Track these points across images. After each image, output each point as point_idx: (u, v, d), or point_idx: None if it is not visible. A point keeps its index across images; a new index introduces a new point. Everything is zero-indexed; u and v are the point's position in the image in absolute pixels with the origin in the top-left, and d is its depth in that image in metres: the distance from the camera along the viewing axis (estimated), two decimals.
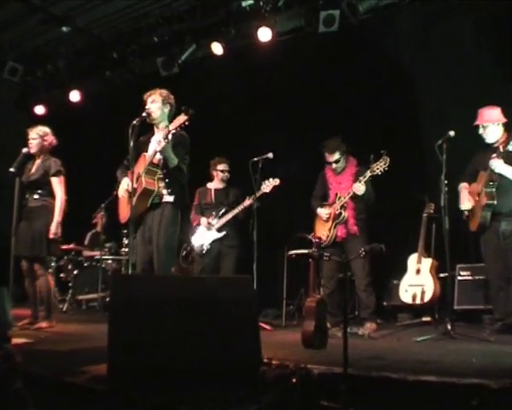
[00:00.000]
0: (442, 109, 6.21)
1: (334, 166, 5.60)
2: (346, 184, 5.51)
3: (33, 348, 4.22)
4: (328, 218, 5.51)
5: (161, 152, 4.39)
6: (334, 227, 5.45)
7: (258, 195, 5.95)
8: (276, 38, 7.10)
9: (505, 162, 4.75)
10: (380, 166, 5.19)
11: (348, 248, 5.42)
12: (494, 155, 4.79)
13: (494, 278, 4.96)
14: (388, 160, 5.18)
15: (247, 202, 6.07)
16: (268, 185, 5.98)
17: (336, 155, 5.56)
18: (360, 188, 5.27)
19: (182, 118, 4.29)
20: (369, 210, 5.57)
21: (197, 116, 4.33)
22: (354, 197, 5.39)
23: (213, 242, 6.22)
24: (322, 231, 5.53)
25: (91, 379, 3.01)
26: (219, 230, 6.23)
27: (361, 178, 5.29)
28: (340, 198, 5.45)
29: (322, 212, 5.60)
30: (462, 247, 5.76)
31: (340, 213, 5.41)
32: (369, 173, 5.25)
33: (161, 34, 7.84)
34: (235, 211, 6.17)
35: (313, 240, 5.17)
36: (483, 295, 5.57)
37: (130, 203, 4.30)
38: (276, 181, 6.00)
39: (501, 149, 4.81)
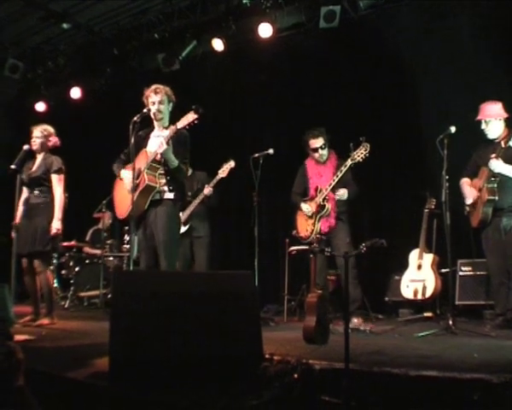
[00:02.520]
0: (443, 105, 6.21)
1: (319, 152, 5.56)
2: (326, 177, 5.50)
3: (35, 344, 4.22)
4: (312, 213, 5.50)
5: (162, 154, 4.39)
6: (318, 221, 5.43)
7: (215, 182, 6.00)
8: (276, 33, 7.10)
9: (505, 159, 4.75)
10: (360, 154, 5.17)
11: (332, 242, 5.42)
12: (493, 155, 4.79)
13: (495, 273, 4.96)
14: (368, 146, 5.15)
15: (206, 190, 6.08)
16: (224, 170, 5.98)
17: (321, 141, 5.54)
18: (342, 194, 5.32)
19: (191, 117, 4.26)
20: (351, 202, 5.55)
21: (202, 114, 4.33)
22: (335, 190, 5.37)
23: (182, 235, 6.06)
24: (306, 227, 5.51)
25: (93, 375, 3.02)
26: (184, 223, 6.11)
27: (342, 167, 5.28)
28: (320, 191, 5.43)
29: (305, 208, 5.57)
30: (464, 242, 5.77)
31: (324, 206, 5.39)
32: (349, 161, 5.23)
33: (162, 30, 7.84)
34: (196, 202, 6.13)
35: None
36: (484, 291, 5.57)
37: (131, 199, 4.30)
38: (231, 164, 5.96)
39: (502, 145, 4.81)
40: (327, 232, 5.42)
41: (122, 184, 4.65)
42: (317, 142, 5.55)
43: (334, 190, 5.39)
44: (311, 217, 5.52)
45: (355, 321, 5.17)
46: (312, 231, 5.45)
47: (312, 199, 5.52)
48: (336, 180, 5.33)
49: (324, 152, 5.58)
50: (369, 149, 5.15)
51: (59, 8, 7.56)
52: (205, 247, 6.26)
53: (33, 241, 5.28)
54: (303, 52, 7.28)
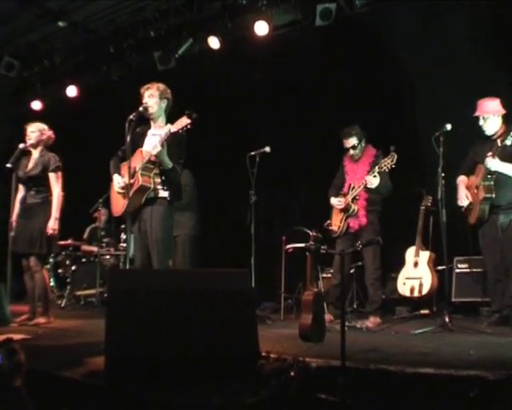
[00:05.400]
0: (440, 102, 6.20)
1: (351, 152, 5.55)
2: (360, 174, 5.44)
3: (31, 343, 4.21)
4: (342, 209, 5.47)
5: (156, 156, 4.39)
6: (345, 219, 5.43)
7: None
8: (272, 31, 7.09)
9: (502, 157, 4.76)
10: (387, 164, 5.11)
11: (359, 239, 5.35)
12: (490, 153, 4.80)
13: (492, 270, 4.97)
14: (396, 156, 5.09)
15: None
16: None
17: (352, 141, 5.50)
18: (372, 181, 5.20)
19: (185, 121, 4.26)
20: (384, 202, 5.52)
21: (194, 110, 4.32)
22: (368, 189, 5.32)
23: None
24: (337, 222, 5.51)
25: (89, 374, 3.01)
26: None
27: (370, 174, 5.22)
28: (353, 189, 5.41)
29: (335, 201, 5.54)
30: (460, 239, 5.78)
31: (350, 206, 5.37)
32: (376, 169, 5.18)
33: (158, 28, 7.81)
34: None
35: (310, 233, 5.16)
36: (480, 288, 5.58)
37: (126, 198, 4.30)
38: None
39: (499, 144, 4.81)
40: (357, 229, 5.40)
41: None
42: (348, 142, 5.53)
43: (366, 189, 5.34)
44: (341, 212, 5.50)
45: (371, 320, 5.15)
46: (339, 227, 5.45)
47: (345, 196, 5.50)
48: (364, 185, 5.27)
49: (357, 151, 5.54)
50: (395, 160, 5.09)
51: (55, 5, 7.53)
52: (181, 246, 6.21)
53: (30, 241, 5.26)
54: (299, 50, 7.27)
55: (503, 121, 4.93)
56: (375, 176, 5.21)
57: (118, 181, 4.59)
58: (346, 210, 5.43)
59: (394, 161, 5.10)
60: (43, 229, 5.27)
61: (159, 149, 4.34)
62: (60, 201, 5.39)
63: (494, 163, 4.76)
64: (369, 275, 5.30)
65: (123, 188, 4.51)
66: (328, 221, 5.67)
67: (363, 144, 5.56)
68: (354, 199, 5.38)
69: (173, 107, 4.79)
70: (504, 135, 4.80)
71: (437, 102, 6.23)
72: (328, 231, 5.39)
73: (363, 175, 5.39)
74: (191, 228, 6.39)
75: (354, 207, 5.38)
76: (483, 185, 4.84)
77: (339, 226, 5.48)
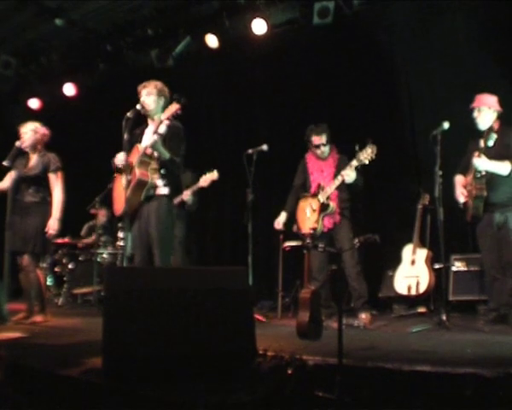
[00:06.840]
0: (437, 100, 6.21)
1: (321, 149, 5.49)
2: (328, 172, 5.46)
3: (28, 341, 4.21)
4: (315, 210, 5.43)
5: (152, 147, 4.39)
6: (322, 219, 5.37)
7: (195, 189, 6.15)
8: (270, 29, 7.08)
9: (488, 156, 4.76)
10: (367, 155, 5.08)
11: (336, 238, 5.40)
12: (476, 153, 4.81)
13: (489, 268, 4.97)
14: (375, 148, 5.07)
15: (185, 195, 6.15)
16: (205, 180, 6.07)
17: (323, 138, 5.48)
18: (351, 175, 5.18)
19: (174, 107, 4.29)
20: (354, 198, 5.53)
21: (192, 108, 4.32)
22: (339, 186, 5.31)
23: None
24: (309, 224, 5.40)
25: (86, 372, 3.01)
26: None
27: (347, 168, 5.18)
28: (323, 189, 5.37)
29: (307, 207, 5.50)
30: (457, 238, 5.79)
31: (328, 205, 5.33)
32: (355, 162, 5.14)
33: (155, 26, 7.80)
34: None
35: (307, 231, 5.15)
36: (478, 286, 5.58)
37: (124, 195, 4.30)
38: (214, 175, 6.05)
39: (482, 144, 4.83)
40: (331, 228, 5.38)
41: (120, 181, 4.64)
42: (319, 139, 5.49)
43: (336, 188, 5.33)
44: (313, 212, 5.44)
45: (363, 317, 5.15)
46: (317, 228, 5.36)
47: (314, 196, 5.46)
48: (340, 180, 5.24)
49: (326, 149, 5.52)
50: (375, 151, 5.07)
51: (52, 4, 7.52)
52: (177, 248, 6.23)
53: (24, 239, 5.24)
54: (297, 48, 7.28)
55: (498, 119, 4.93)
56: (352, 170, 5.18)
57: (120, 158, 4.51)
58: (323, 209, 5.36)
59: (375, 152, 5.08)
60: (39, 228, 5.25)
61: (153, 138, 4.34)
62: (61, 201, 5.38)
63: (481, 162, 4.77)
64: (351, 271, 5.27)
65: (125, 164, 4.44)
66: (295, 226, 5.66)
67: (329, 144, 5.56)
68: (328, 198, 5.35)
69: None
70: (487, 136, 4.83)
71: (434, 100, 6.24)
72: (309, 234, 5.31)
73: (331, 174, 5.41)
74: (186, 233, 6.46)
75: (332, 205, 5.34)
76: (474, 184, 4.85)
77: (315, 228, 5.35)
